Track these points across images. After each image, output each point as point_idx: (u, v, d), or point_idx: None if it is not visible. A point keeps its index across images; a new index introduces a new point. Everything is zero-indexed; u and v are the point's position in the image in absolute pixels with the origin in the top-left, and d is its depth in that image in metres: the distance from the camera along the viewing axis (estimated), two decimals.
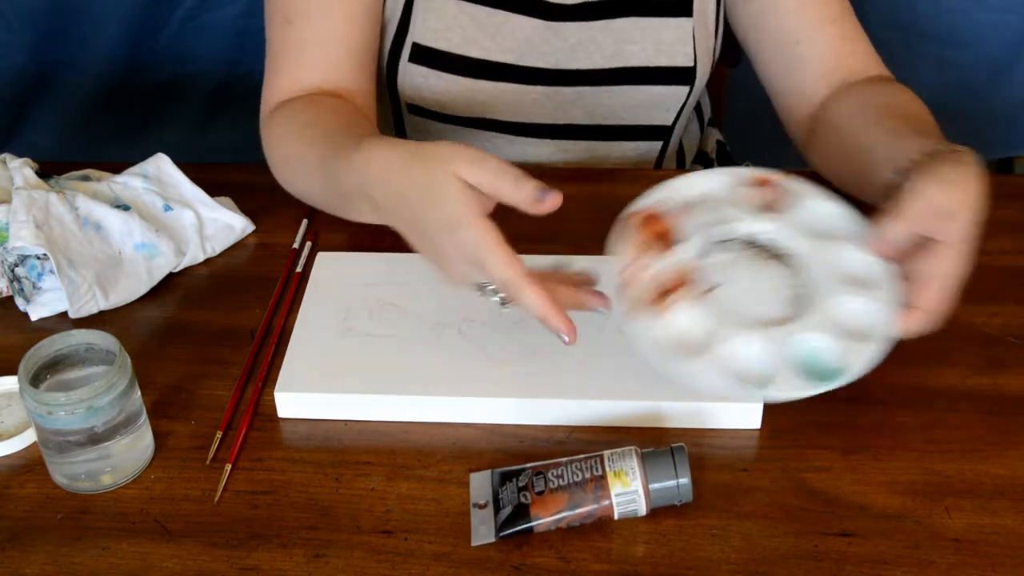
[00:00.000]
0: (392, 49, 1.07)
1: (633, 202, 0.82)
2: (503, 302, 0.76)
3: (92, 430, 0.74)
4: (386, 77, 1.10)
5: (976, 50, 1.47)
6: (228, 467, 0.78)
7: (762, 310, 0.77)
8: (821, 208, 0.82)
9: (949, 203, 0.75)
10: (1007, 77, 1.49)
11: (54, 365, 0.76)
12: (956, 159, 0.79)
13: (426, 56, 1.06)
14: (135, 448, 0.77)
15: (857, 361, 0.74)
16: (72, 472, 0.76)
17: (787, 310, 0.77)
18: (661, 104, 1.12)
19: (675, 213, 0.81)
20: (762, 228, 0.81)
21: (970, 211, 0.75)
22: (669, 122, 1.14)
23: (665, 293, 0.77)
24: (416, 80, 1.08)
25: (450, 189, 0.74)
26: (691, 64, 1.10)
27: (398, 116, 1.15)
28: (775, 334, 0.75)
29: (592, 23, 1.08)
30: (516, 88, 1.09)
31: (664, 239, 0.80)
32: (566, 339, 0.74)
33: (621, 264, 0.78)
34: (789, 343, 0.75)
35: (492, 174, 0.73)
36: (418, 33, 1.06)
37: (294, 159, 0.96)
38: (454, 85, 1.08)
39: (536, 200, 0.72)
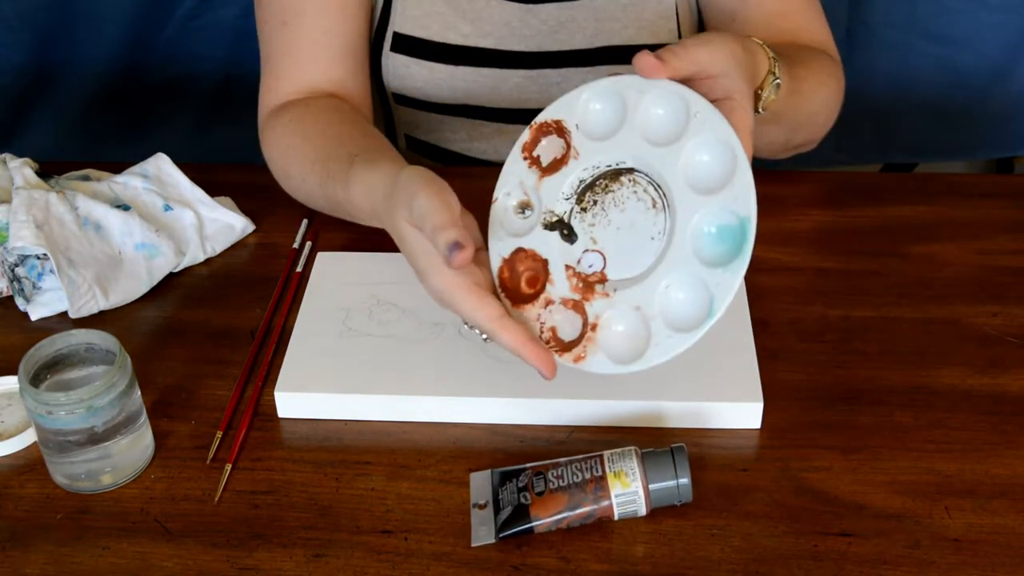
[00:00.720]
0: (375, 40, 1.08)
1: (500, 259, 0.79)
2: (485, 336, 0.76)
3: (92, 430, 0.74)
4: (371, 68, 1.10)
5: (976, 50, 1.47)
6: (228, 467, 0.78)
7: (647, 237, 0.76)
8: (590, 103, 0.78)
9: (715, 57, 0.75)
10: (1007, 77, 1.49)
11: (54, 365, 0.76)
12: (739, 35, 0.80)
13: (407, 45, 1.07)
14: (135, 448, 0.77)
15: (745, 196, 0.72)
16: (72, 472, 0.76)
17: (661, 218, 0.76)
18: None
19: (522, 248, 0.78)
20: (578, 174, 0.78)
21: (739, 68, 0.75)
22: None
23: (583, 316, 0.76)
24: (399, 70, 1.08)
25: (409, 240, 0.76)
26: (676, 41, 1.09)
27: (386, 107, 1.15)
28: (679, 257, 0.73)
29: (571, 3, 1.08)
30: (498, 73, 1.09)
31: (535, 279, 0.78)
32: (545, 375, 0.73)
33: (535, 327, 0.77)
34: (693, 248, 0.73)
35: (419, 220, 0.73)
36: (398, 22, 1.06)
37: (296, 179, 0.97)
38: (435, 73, 1.08)
39: (445, 257, 0.71)
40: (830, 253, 0.97)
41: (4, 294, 0.93)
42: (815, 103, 0.97)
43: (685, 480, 0.72)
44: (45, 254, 0.89)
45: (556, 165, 0.79)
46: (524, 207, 0.79)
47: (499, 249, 0.79)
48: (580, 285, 0.77)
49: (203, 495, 0.76)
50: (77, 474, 0.76)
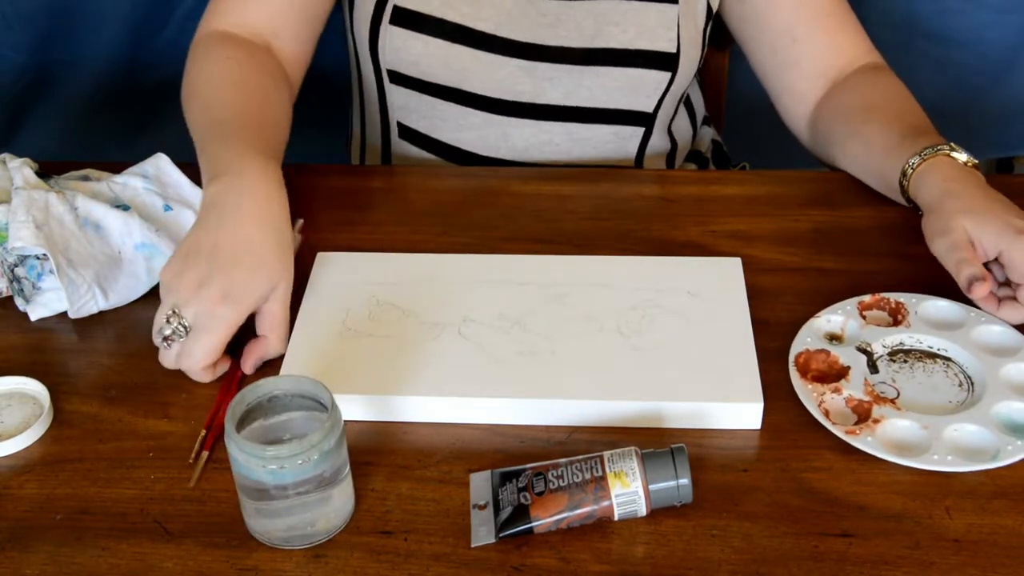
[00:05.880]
0: (374, 14, 1.09)
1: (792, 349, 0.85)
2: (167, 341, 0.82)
3: (322, 476, 0.70)
4: (368, 43, 1.11)
5: (976, 50, 1.47)
6: (205, 455, 0.78)
7: (945, 398, 0.82)
8: (937, 305, 0.89)
9: (1002, 235, 0.85)
10: (1007, 77, 1.49)
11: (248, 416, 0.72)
12: (978, 183, 0.91)
13: (406, 18, 1.08)
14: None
15: None
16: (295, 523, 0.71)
17: (964, 393, 0.82)
18: (641, 89, 1.12)
19: (826, 350, 0.85)
20: (902, 338, 0.86)
21: (1016, 217, 0.86)
22: (650, 108, 1.14)
23: (865, 413, 0.80)
24: (396, 43, 1.09)
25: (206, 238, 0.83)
26: (674, 50, 1.10)
27: (380, 89, 1.16)
28: (974, 414, 0.79)
29: (574, 2, 1.09)
30: (492, 58, 1.09)
31: (829, 372, 0.83)
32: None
33: (811, 398, 0.81)
34: (990, 415, 0.79)
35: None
36: None
37: (195, 111, 1.02)
38: (431, 48, 1.09)
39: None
40: (830, 253, 0.97)
41: (4, 294, 0.93)
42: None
43: (685, 480, 0.72)
44: (45, 254, 0.89)
45: (887, 321, 0.89)
46: (833, 338, 0.87)
47: (804, 340, 0.85)
48: (872, 393, 0.81)
49: (202, 495, 0.76)
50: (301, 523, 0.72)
